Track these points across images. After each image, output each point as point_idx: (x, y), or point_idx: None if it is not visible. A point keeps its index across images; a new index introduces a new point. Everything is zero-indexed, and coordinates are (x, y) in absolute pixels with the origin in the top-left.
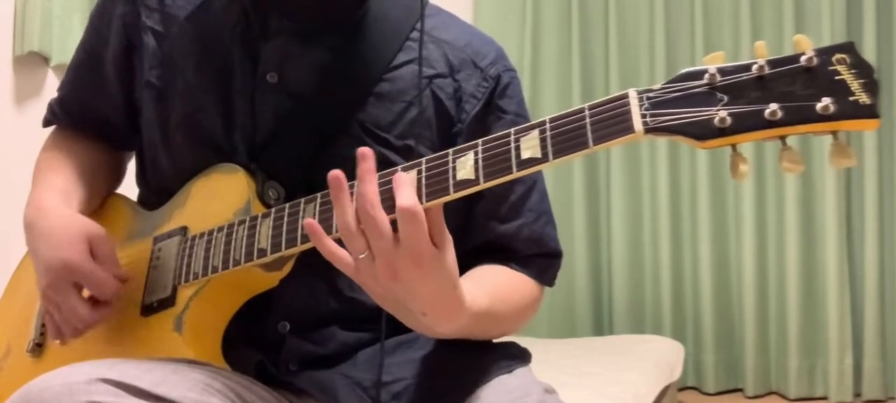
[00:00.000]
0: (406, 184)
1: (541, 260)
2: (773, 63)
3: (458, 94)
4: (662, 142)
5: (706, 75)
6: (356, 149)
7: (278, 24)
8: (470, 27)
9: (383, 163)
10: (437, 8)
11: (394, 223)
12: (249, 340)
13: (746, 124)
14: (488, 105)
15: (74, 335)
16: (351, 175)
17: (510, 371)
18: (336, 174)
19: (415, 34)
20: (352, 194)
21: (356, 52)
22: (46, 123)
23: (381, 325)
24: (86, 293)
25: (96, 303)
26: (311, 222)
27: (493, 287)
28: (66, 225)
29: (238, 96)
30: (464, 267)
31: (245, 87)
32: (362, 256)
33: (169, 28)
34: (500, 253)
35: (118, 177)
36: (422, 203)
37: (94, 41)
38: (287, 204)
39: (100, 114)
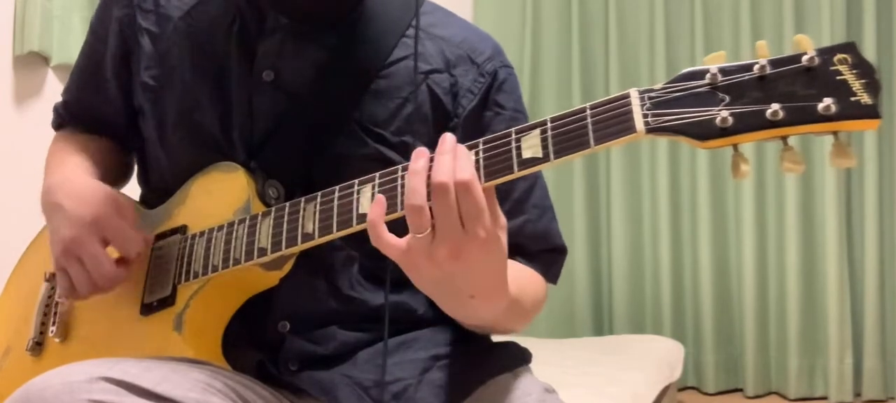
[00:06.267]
0: (464, 156)
1: (547, 255)
2: (774, 63)
3: (455, 90)
4: (663, 141)
5: (707, 75)
6: (354, 147)
7: (273, 22)
8: (467, 24)
9: (380, 160)
10: (434, 5)
11: None
12: (249, 340)
13: (748, 124)
14: (485, 101)
15: (91, 291)
16: (347, 173)
17: (511, 371)
18: (420, 150)
19: (411, 31)
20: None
21: (352, 50)
22: (56, 127)
23: (380, 325)
24: (110, 251)
25: (118, 263)
26: (379, 201)
27: (514, 275)
28: (93, 185)
29: (235, 94)
30: None
31: (241, 86)
32: (421, 236)
33: (164, 28)
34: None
35: (124, 174)
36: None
37: (94, 45)
38: (287, 204)
39: (102, 116)
